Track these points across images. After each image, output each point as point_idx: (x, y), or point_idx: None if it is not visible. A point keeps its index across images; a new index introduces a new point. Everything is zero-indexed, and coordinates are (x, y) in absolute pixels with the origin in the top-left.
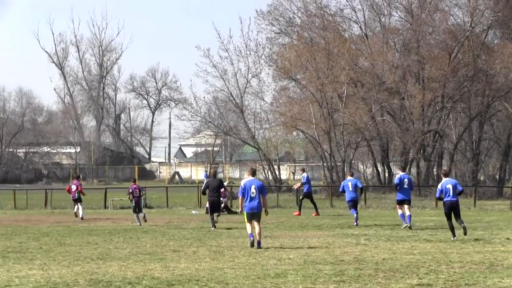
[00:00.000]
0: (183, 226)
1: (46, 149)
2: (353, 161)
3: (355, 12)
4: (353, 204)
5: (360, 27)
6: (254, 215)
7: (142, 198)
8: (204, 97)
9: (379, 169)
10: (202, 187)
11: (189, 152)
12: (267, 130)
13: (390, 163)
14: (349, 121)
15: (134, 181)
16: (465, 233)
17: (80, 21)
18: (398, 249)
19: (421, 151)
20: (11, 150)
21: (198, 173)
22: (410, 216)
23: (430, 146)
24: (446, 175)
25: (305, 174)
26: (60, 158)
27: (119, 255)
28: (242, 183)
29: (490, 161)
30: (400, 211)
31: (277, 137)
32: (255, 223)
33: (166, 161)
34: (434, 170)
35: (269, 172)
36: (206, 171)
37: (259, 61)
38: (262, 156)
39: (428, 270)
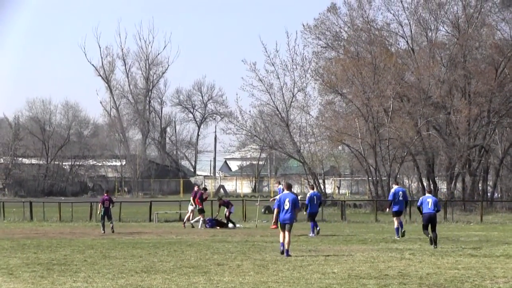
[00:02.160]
0: (227, 239)
1: (91, 162)
2: (398, 176)
3: (402, 26)
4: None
5: (407, 41)
6: (286, 226)
7: (111, 208)
8: (249, 111)
9: (424, 183)
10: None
11: (234, 165)
12: (313, 144)
13: (436, 178)
14: (395, 136)
15: (107, 192)
16: (431, 243)
17: (127, 35)
18: (443, 263)
19: (467, 166)
20: (57, 163)
21: (243, 187)
22: (401, 222)
23: (476, 161)
24: (430, 192)
25: (281, 187)
26: (105, 171)
27: (163, 268)
28: (278, 197)
29: None
30: (396, 224)
31: (322, 151)
32: (287, 233)
33: (211, 174)
34: (480, 185)
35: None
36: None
37: (305, 75)
38: (307, 170)
39: (473, 285)
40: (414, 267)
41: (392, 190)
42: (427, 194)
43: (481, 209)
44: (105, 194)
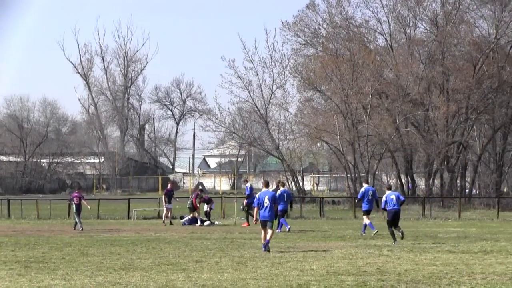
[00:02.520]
0: (206, 236)
1: (70, 159)
2: (376, 172)
3: (381, 23)
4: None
5: (385, 38)
6: (267, 223)
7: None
8: (228, 108)
9: (403, 180)
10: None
11: (213, 162)
12: (291, 141)
13: (414, 174)
14: (373, 132)
15: (79, 189)
16: (402, 237)
17: (105, 32)
18: (421, 260)
19: (445, 163)
20: (35, 160)
21: (222, 184)
22: (365, 225)
23: (454, 157)
24: (389, 188)
25: (248, 185)
26: (84, 169)
27: (142, 265)
28: (257, 195)
29: None
30: (368, 220)
31: (301, 148)
32: (268, 229)
33: (190, 171)
34: (458, 181)
35: (292, 183)
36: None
37: (284, 72)
38: (286, 167)
39: (450, 281)
40: (392, 264)
41: (362, 189)
42: (388, 191)
43: (459, 206)
44: (76, 191)
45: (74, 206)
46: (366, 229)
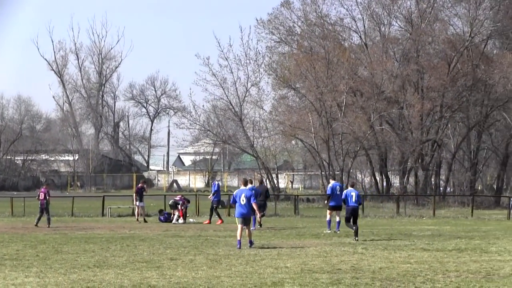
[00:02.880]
0: (180, 234)
1: (44, 156)
2: (351, 170)
3: (355, 21)
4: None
5: (360, 36)
6: (244, 220)
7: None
8: (203, 106)
9: (377, 178)
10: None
11: (187, 160)
12: (266, 139)
13: (389, 172)
14: (348, 130)
15: (47, 185)
16: (356, 234)
17: (80, 29)
18: (395, 258)
19: (420, 161)
20: (9, 157)
21: (197, 181)
22: (339, 222)
23: (429, 155)
24: (353, 185)
25: (216, 183)
26: (58, 166)
27: (116, 263)
28: (234, 192)
29: (488, 170)
30: (328, 217)
31: (275, 145)
32: (246, 227)
33: (165, 169)
34: (432, 179)
35: (267, 180)
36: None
37: (259, 70)
38: (261, 164)
39: (425, 279)
40: (367, 262)
41: (330, 185)
42: (349, 188)
43: (433, 204)
44: (43, 187)
45: (40, 203)
46: (327, 226)
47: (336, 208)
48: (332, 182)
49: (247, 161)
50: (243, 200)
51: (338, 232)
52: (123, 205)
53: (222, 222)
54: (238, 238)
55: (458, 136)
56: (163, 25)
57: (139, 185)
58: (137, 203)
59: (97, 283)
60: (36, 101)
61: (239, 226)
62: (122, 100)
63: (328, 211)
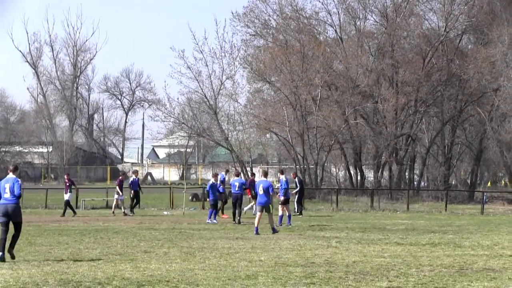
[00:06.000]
0: (154, 227)
1: (18, 148)
2: (325, 164)
3: (331, 15)
4: None
5: (335, 30)
6: (263, 208)
7: None
8: (178, 98)
9: (352, 172)
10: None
11: (162, 153)
12: (241, 132)
13: (363, 166)
14: (323, 124)
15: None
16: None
17: (55, 21)
18: (369, 252)
19: (394, 155)
20: None
21: (171, 174)
22: (290, 216)
23: (403, 149)
24: (238, 175)
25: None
26: (32, 158)
27: (90, 255)
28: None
29: (462, 165)
30: (281, 212)
31: (250, 139)
32: (267, 214)
33: (139, 161)
34: (406, 173)
35: (241, 174)
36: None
37: (234, 63)
38: (235, 158)
39: (398, 273)
40: (341, 255)
41: (283, 180)
42: (234, 178)
43: (407, 198)
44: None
45: None
46: (283, 221)
47: (286, 202)
48: (281, 176)
49: (221, 154)
50: (261, 190)
51: (290, 226)
52: (97, 197)
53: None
54: (256, 225)
55: (432, 130)
56: (138, 17)
57: (120, 177)
58: (119, 196)
59: (70, 275)
60: (10, 93)
61: (258, 213)
62: (96, 92)
63: (280, 206)
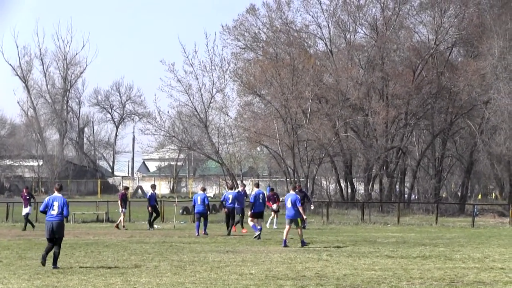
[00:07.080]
0: (145, 240)
1: (8, 162)
2: (316, 177)
3: (321, 28)
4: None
5: (325, 43)
6: (291, 221)
7: None
8: (168, 112)
9: (342, 185)
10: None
11: (152, 166)
12: (231, 145)
13: (353, 179)
14: (313, 137)
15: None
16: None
17: (45, 34)
18: (360, 265)
19: (384, 168)
20: None
21: (162, 188)
22: (261, 228)
23: (393, 162)
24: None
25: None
26: (22, 171)
27: (80, 269)
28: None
29: (453, 178)
30: (252, 223)
31: (241, 152)
32: (297, 228)
33: (129, 175)
34: (397, 186)
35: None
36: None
37: (224, 76)
38: (226, 171)
39: (389, 286)
40: (332, 268)
41: (253, 193)
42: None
43: (398, 211)
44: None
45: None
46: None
47: (258, 215)
48: (256, 189)
49: (212, 167)
50: (289, 204)
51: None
52: (88, 211)
53: (244, 230)
54: (284, 237)
55: (422, 143)
56: (128, 31)
57: (123, 191)
58: (123, 210)
59: None
60: (0, 107)
61: (287, 226)
62: (87, 106)
63: (250, 218)
